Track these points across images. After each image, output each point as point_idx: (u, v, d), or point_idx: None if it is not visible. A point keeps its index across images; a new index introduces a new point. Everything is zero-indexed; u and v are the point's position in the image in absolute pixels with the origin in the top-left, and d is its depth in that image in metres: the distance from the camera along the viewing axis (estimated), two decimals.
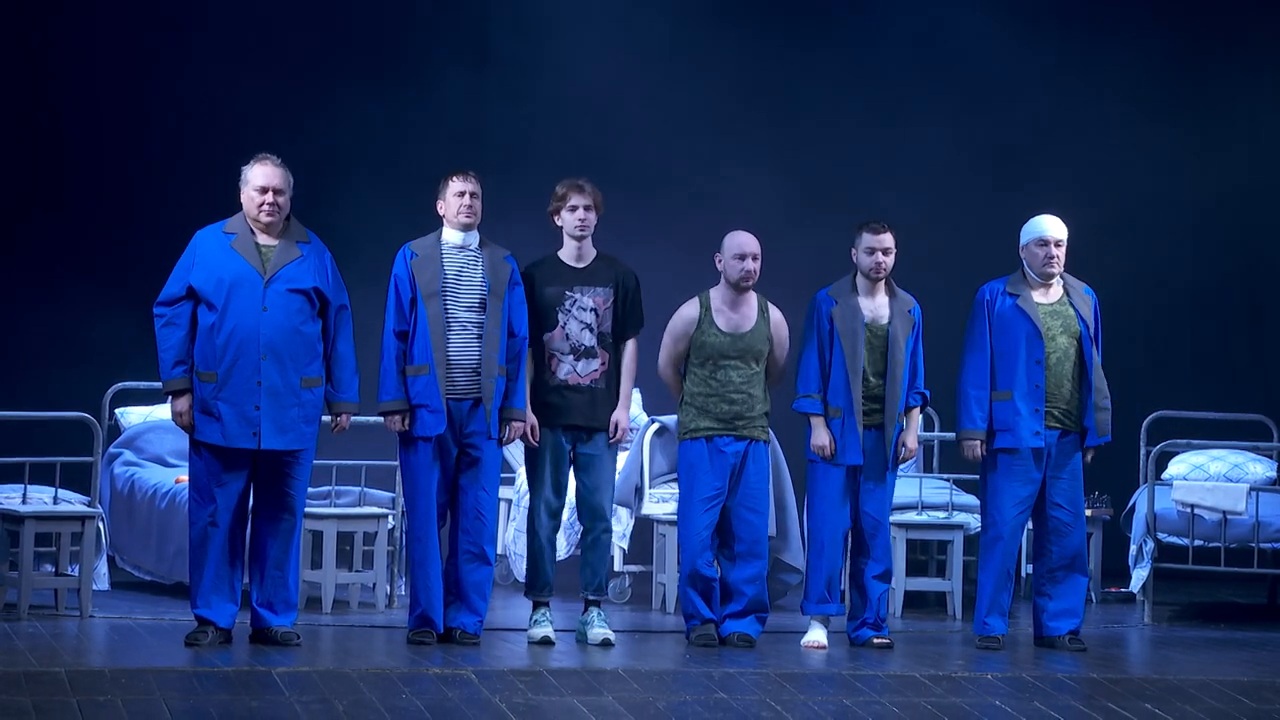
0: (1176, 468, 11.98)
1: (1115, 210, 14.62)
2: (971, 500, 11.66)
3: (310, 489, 9.81)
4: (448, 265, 9.60)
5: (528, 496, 10.05)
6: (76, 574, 10.45)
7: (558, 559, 10.07)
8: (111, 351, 12.86)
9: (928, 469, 12.69)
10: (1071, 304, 10.15)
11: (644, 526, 11.73)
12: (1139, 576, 11.57)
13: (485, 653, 9.36)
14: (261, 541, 9.39)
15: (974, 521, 11.49)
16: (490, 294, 9.59)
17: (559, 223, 9.88)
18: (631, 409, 10.69)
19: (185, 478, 10.02)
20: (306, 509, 9.82)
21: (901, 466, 10.22)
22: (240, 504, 9.33)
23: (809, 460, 10.05)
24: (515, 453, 12.22)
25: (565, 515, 10.31)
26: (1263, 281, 14.98)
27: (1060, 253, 10.10)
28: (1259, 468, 11.81)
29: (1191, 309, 14.96)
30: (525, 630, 9.88)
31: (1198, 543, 11.57)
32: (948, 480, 12.01)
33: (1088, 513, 11.67)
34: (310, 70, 13.94)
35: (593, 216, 9.86)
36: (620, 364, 9.89)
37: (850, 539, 10.11)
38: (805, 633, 10.02)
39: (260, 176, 9.32)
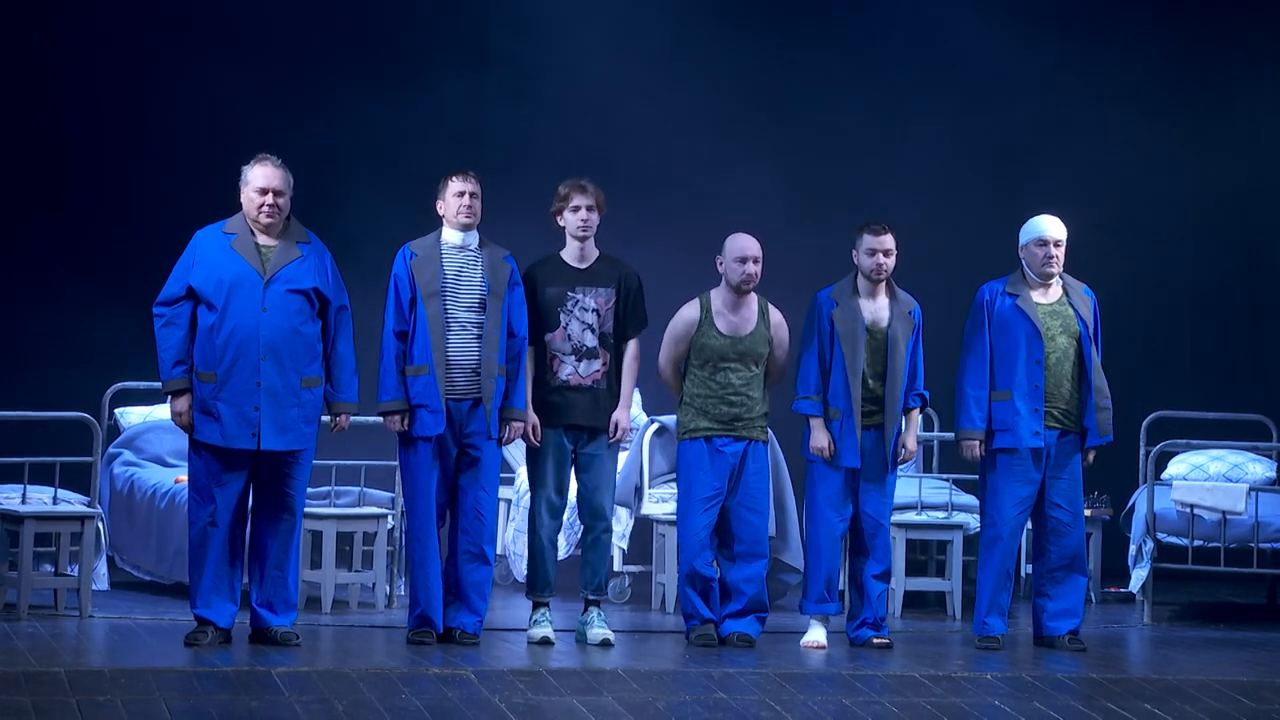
0: (1176, 468, 11.98)
1: (1115, 210, 14.62)
2: (971, 500, 11.66)
3: (310, 489, 9.81)
4: (447, 265, 9.60)
5: (528, 496, 10.06)
6: (76, 574, 10.45)
7: (558, 559, 10.06)
8: (111, 351, 12.86)
9: (927, 469, 12.69)
10: (1071, 304, 10.15)
11: (644, 526, 11.73)
12: (1138, 576, 11.58)
13: (485, 653, 9.36)
14: (261, 541, 9.39)
15: (973, 521, 11.49)
16: (490, 294, 9.59)
17: (561, 223, 9.88)
18: (631, 409, 10.69)
19: (185, 477, 10.02)
20: (306, 509, 9.82)
21: (901, 467, 10.22)
22: (240, 504, 9.33)
23: (808, 460, 10.05)
24: (515, 453, 12.23)
25: (565, 515, 10.31)
26: (1263, 281, 14.98)
27: (1059, 253, 10.10)
28: (1258, 468, 11.81)
29: (1191, 309, 14.96)
30: (525, 630, 9.88)
31: (1197, 543, 11.57)
32: (947, 480, 12.01)
33: (1087, 513, 11.68)
34: (310, 70, 13.95)
35: (595, 217, 9.85)
36: (621, 364, 9.89)
37: (849, 539, 10.12)
38: (805, 633, 10.02)
39: (260, 177, 9.31)
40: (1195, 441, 12.07)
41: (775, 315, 10.03)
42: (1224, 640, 10.89)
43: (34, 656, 8.74)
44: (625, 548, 11.67)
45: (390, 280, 9.63)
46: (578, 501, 9.97)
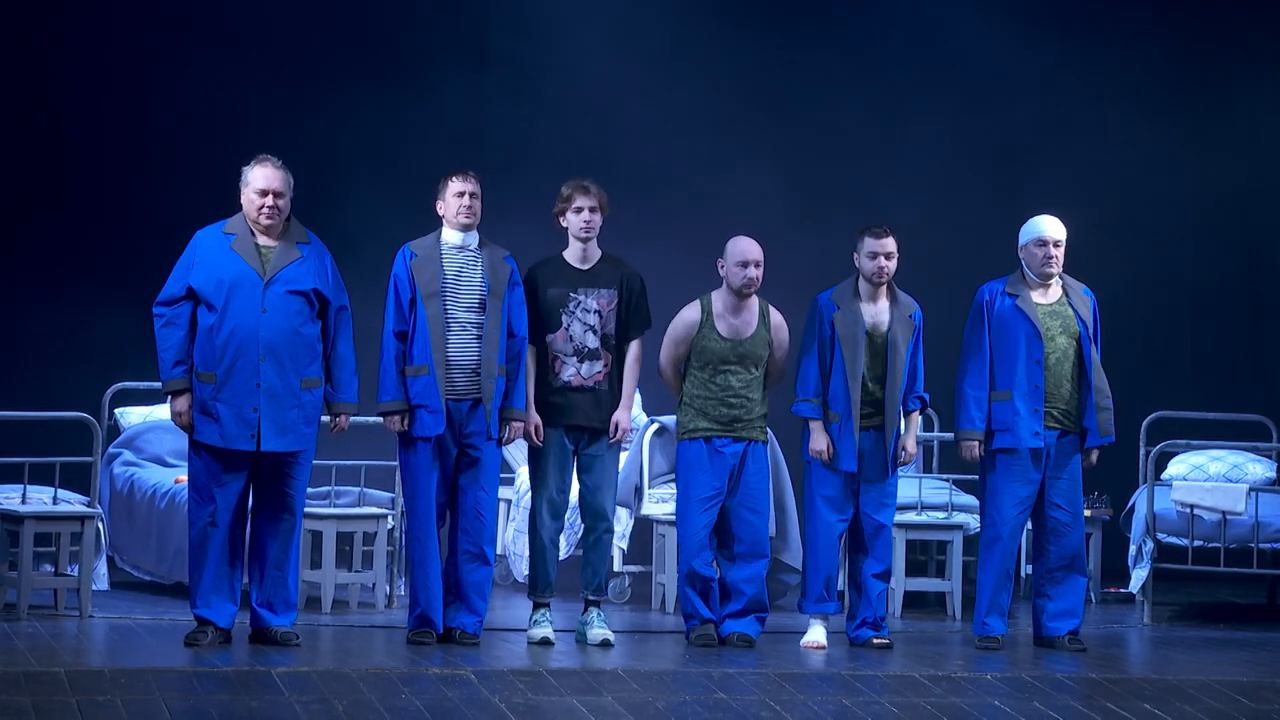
0: (1176, 468, 11.98)
1: (1115, 210, 14.62)
2: (971, 500, 11.66)
3: (310, 489, 9.81)
4: (447, 265, 9.60)
5: (528, 496, 10.05)
6: (76, 574, 10.45)
7: (559, 559, 10.06)
8: (111, 351, 12.86)
9: (927, 469, 12.69)
10: (1070, 304, 10.15)
11: (643, 527, 11.73)
12: (1138, 577, 11.58)
13: (485, 653, 9.36)
14: (261, 541, 9.38)
15: (973, 522, 11.49)
16: (490, 294, 9.59)
17: (564, 224, 9.87)
18: (632, 409, 10.69)
19: (185, 478, 10.02)
20: (306, 509, 9.82)
21: (901, 468, 10.21)
22: (240, 504, 9.33)
23: (806, 461, 10.05)
24: (515, 453, 12.23)
25: (565, 515, 10.31)
26: (1263, 281, 14.98)
27: (1059, 253, 10.10)
28: (1258, 468, 11.81)
29: (1191, 309, 14.96)
30: (525, 630, 9.88)
31: (1197, 543, 11.57)
32: (947, 480, 12.01)
33: (1087, 513, 11.69)
34: (311, 70, 13.94)
35: (598, 218, 9.84)
36: (623, 365, 9.88)
37: (849, 537, 10.12)
38: (805, 633, 10.02)
39: (260, 179, 9.31)
40: (1195, 442, 12.07)
41: (775, 317, 10.02)
42: (1224, 640, 10.89)
43: (34, 656, 8.74)
44: (625, 548, 11.67)
45: (390, 280, 9.62)
46: (579, 502, 9.97)
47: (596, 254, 9.88)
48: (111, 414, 12.06)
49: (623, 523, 11.53)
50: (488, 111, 14.45)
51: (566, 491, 9.88)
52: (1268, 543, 11.56)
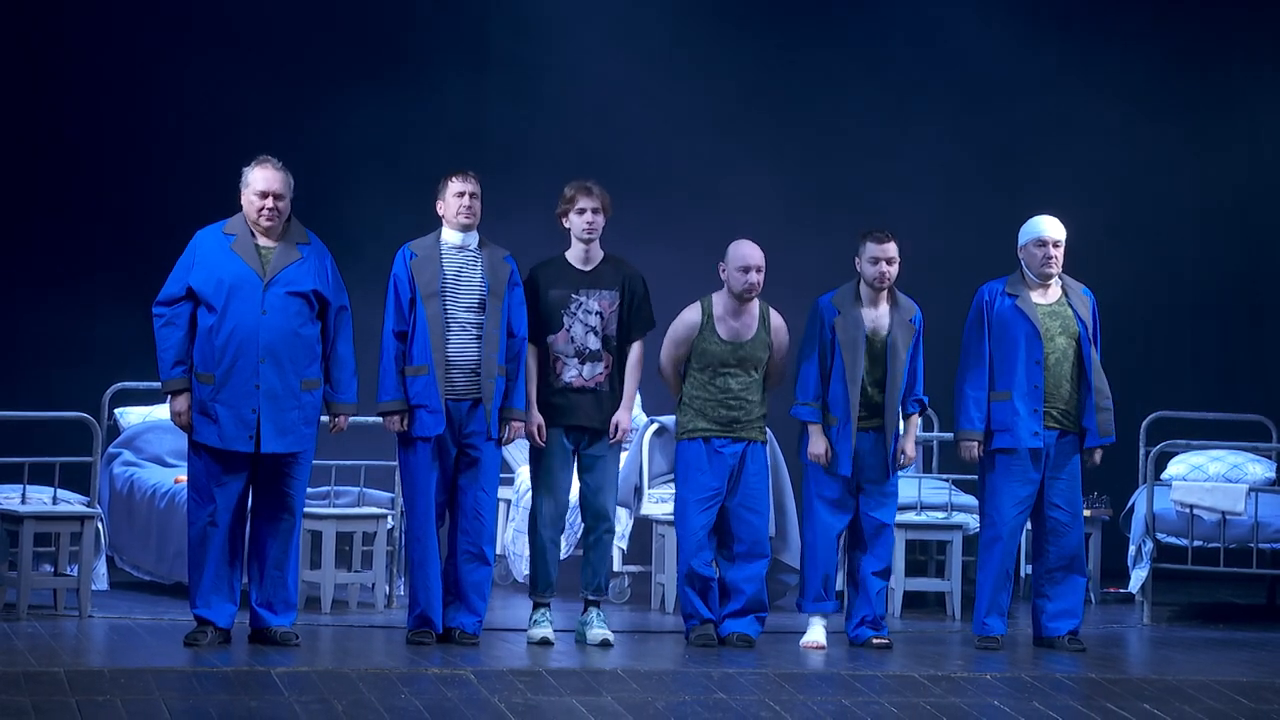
0: (1176, 468, 11.98)
1: (1115, 211, 14.62)
2: (971, 500, 11.66)
3: (309, 489, 9.81)
4: (447, 266, 9.60)
5: (528, 496, 10.05)
6: (75, 574, 10.45)
7: (559, 559, 10.06)
8: (111, 351, 12.86)
9: (927, 469, 12.69)
10: (1070, 304, 10.15)
11: (643, 527, 11.73)
12: (1138, 577, 11.58)
13: (484, 653, 9.36)
14: (261, 541, 9.38)
15: (973, 522, 11.49)
16: (490, 294, 9.59)
17: (566, 225, 9.86)
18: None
19: (184, 478, 10.02)
20: (306, 509, 9.82)
21: (900, 470, 10.21)
22: (239, 504, 9.33)
23: (804, 464, 10.06)
24: (514, 453, 12.23)
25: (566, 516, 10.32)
26: (1263, 282, 14.98)
27: (1058, 253, 10.10)
28: (1258, 468, 11.82)
29: (1191, 309, 14.96)
30: (525, 630, 9.88)
31: (1197, 543, 11.57)
32: (947, 480, 12.01)
33: (1086, 513, 11.69)
34: (311, 70, 13.94)
35: (601, 219, 9.83)
36: (625, 365, 9.88)
37: (848, 536, 10.11)
38: (804, 633, 10.02)
39: (261, 181, 9.30)
40: (1195, 442, 12.07)
41: (776, 319, 10.02)
42: (1223, 641, 10.89)
43: (33, 656, 8.74)
44: (625, 548, 11.67)
45: (390, 280, 9.62)
46: (580, 502, 9.97)
47: (599, 255, 9.87)
48: (111, 414, 12.07)
49: (622, 523, 11.53)
50: (488, 111, 14.45)
51: (567, 492, 9.88)
52: (1267, 543, 11.56)
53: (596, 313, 9.81)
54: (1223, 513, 11.51)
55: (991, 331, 10.10)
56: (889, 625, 10.25)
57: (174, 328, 9.25)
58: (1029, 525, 10.34)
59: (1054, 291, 10.16)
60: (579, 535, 11.00)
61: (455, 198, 9.64)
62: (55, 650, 9.09)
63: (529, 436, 9.76)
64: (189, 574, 9.42)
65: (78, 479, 10.90)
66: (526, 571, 11.43)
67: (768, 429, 10.21)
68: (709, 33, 14.70)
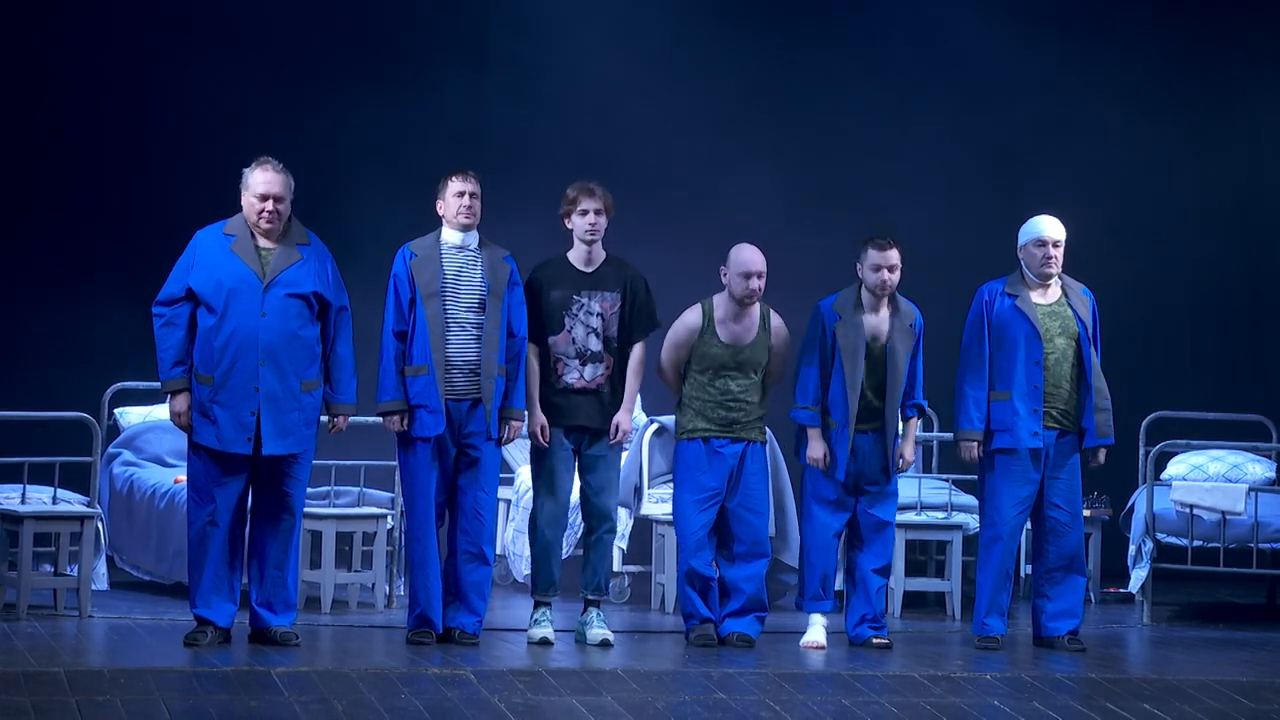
0: (1176, 468, 11.98)
1: (1115, 211, 14.62)
2: (970, 500, 11.66)
3: (309, 489, 9.81)
4: (447, 266, 9.60)
5: (528, 496, 10.05)
6: (75, 574, 10.45)
7: (561, 558, 10.05)
8: (111, 351, 12.86)
9: (927, 469, 12.69)
10: (1070, 305, 10.15)
11: (643, 527, 11.74)
12: (1138, 577, 11.58)
13: (484, 653, 9.36)
14: (261, 541, 9.38)
15: (973, 522, 11.49)
16: (489, 294, 9.59)
17: (569, 226, 9.85)
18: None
19: (184, 478, 10.02)
20: (306, 509, 9.82)
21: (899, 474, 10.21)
22: (239, 504, 9.33)
23: (803, 463, 10.06)
24: (514, 453, 12.23)
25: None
26: (1263, 282, 14.98)
27: (1058, 253, 10.10)
28: (1258, 468, 11.82)
29: (1191, 309, 14.96)
30: (525, 630, 9.88)
31: (1197, 543, 11.57)
32: (947, 480, 12.01)
33: (1086, 513, 11.69)
34: (311, 70, 13.94)
35: (603, 221, 9.82)
36: (626, 366, 9.87)
37: (847, 534, 10.11)
38: (804, 633, 10.02)
39: (261, 184, 9.28)
40: (1195, 442, 12.07)
41: (776, 321, 10.01)
42: (1223, 640, 10.90)
43: (33, 656, 8.74)
44: (625, 548, 11.66)
45: (390, 280, 9.62)
46: (581, 502, 9.97)
47: (601, 256, 9.86)
48: (111, 414, 12.07)
49: (622, 523, 11.53)
50: (488, 111, 14.45)
51: (568, 492, 9.87)
52: (1267, 543, 11.56)
53: (598, 314, 9.80)
54: (1223, 513, 11.51)
55: (991, 332, 10.10)
56: (889, 625, 10.25)
57: (174, 328, 9.25)
58: (1029, 525, 10.34)
59: (1054, 292, 10.16)
60: (579, 535, 11.00)
61: (455, 198, 9.64)
62: (55, 650, 9.09)
63: (531, 437, 9.76)
64: (189, 574, 9.42)
65: (78, 479, 10.90)
66: (526, 571, 11.44)
67: (767, 429, 10.21)
68: (709, 33, 14.70)
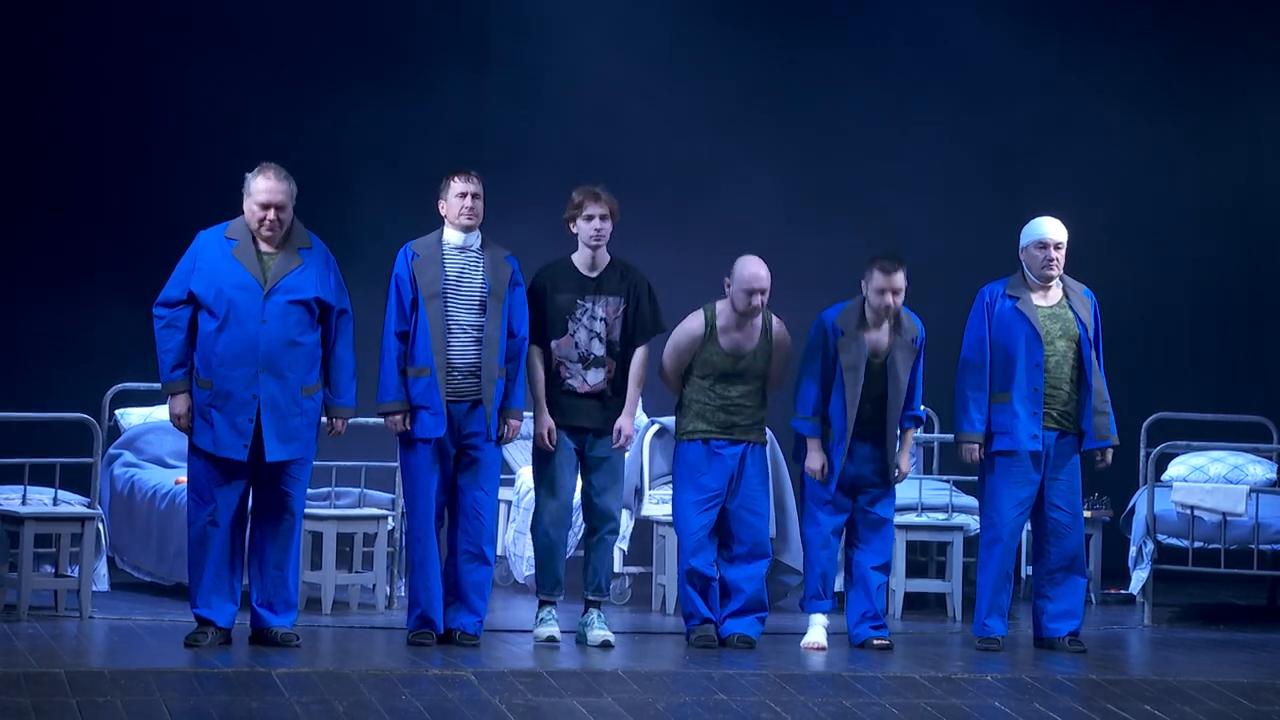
0: (1176, 469, 11.98)
1: (1115, 211, 14.61)
2: (971, 502, 11.66)
3: (310, 490, 9.80)
4: (449, 267, 9.59)
5: (529, 497, 10.04)
6: (76, 575, 10.45)
7: (565, 558, 10.05)
8: (112, 352, 12.85)
9: (927, 471, 12.68)
10: (1071, 307, 10.14)
11: (644, 528, 11.73)
12: (1139, 578, 11.57)
13: (485, 654, 9.36)
14: (261, 541, 9.38)
15: (974, 523, 11.49)
16: (490, 295, 9.58)
17: (574, 230, 9.82)
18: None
19: (185, 478, 10.01)
20: (306, 510, 9.81)
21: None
22: (240, 505, 9.32)
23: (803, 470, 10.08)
24: (515, 454, 12.22)
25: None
26: (1263, 282, 14.98)
27: (1060, 255, 10.09)
28: (1259, 469, 11.81)
29: (1191, 309, 14.96)
30: (525, 631, 9.89)
31: (1197, 544, 11.57)
32: (947, 482, 12.01)
33: (1087, 514, 11.68)
34: (311, 70, 13.94)
35: (608, 225, 9.80)
36: (628, 369, 9.86)
37: (847, 533, 10.11)
38: (805, 633, 10.02)
39: (263, 193, 9.25)
40: (1195, 443, 12.06)
41: (778, 328, 9.99)
42: (1224, 642, 10.89)
43: (34, 657, 8.74)
44: (625, 549, 11.66)
45: (391, 280, 9.61)
46: (583, 503, 9.96)
47: (605, 260, 9.84)
48: (112, 415, 12.06)
49: (623, 524, 11.52)
50: (488, 111, 14.44)
51: (571, 492, 9.87)
52: (1268, 544, 11.56)
53: (601, 319, 9.79)
54: (1223, 514, 11.51)
55: (992, 334, 10.09)
56: (889, 626, 10.24)
57: (174, 330, 9.24)
58: (1029, 526, 10.34)
59: (1055, 293, 10.15)
60: (579, 536, 10.99)
61: (457, 198, 9.63)
62: (56, 651, 9.09)
63: (538, 439, 9.74)
64: (189, 574, 9.41)
65: (78, 480, 10.89)
66: (527, 572, 11.45)
67: (767, 430, 10.20)
68: (709, 33, 14.69)
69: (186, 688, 8.05)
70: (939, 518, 11.71)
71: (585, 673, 8.83)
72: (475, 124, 14.36)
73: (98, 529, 10.74)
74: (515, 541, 12.11)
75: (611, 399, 9.81)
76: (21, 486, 10.70)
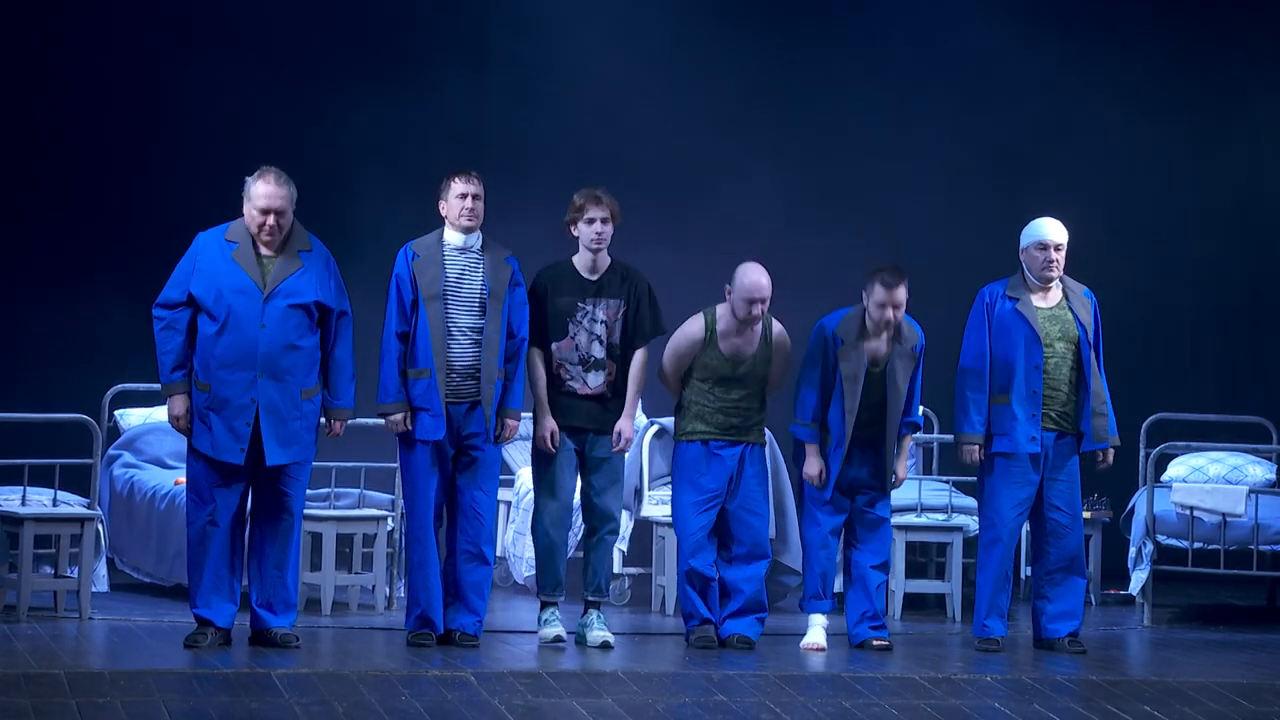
0: (1176, 470, 11.98)
1: (1115, 211, 14.61)
2: (971, 502, 11.65)
3: (310, 491, 9.80)
4: (449, 267, 9.59)
5: (528, 498, 10.04)
6: (76, 576, 10.45)
7: (566, 558, 10.06)
8: (111, 352, 12.85)
9: (927, 471, 12.69)
10: (1071, 308, 10.14)
11: (643, 528, 11.73)
12: (1138, 579, 11.57)
13: (485, 654, 9.36)
14: (260, 542, 9.38)
15: (973, 524, 11.48)
16: (490, 296, 9.58)
17: (575, 233, 9.82)
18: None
19: (185, 479, 10.01)
20: (306, 511, 9.81)
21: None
22: (239, 505, 9.32)
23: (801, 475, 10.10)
24: (514, 454, 12.22)
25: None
26: (1263, 282, 14.97)
27: (1060, 256, 10.09)
28: (1258, 470, 11.81)
29: (1191, 309, 14.95)
30: (525, 632, 9.90)
31: (1197, 545, 11.57)
32: (947, 482, 12.00)
33: (1086, 515, 11.68)
34: (311, 70, 13.93)
35: (609, 228, 9.80)
36: (628, 371, 9.86)
37: (846, 532, 10.11)
38: (804, 634, 10.02)
39: (262, 198, 9.23)
40: (1195, 444, 12.06)
41: (778, 332, 9.98)
42: (1224, 642, 10.89)
43: (34, 658, 8.74)
44: (625, 550, 11.66)
45: (391, 280, 9.60)
46: (583, 503, 9.96)
47: (606, 263, 9.84)
48: (111, 415, 12.06)
49: (623, 525, 11.51)
50: (488, 111, 14.44)
51: (571, 493, 9.87)
52: (1267, 545, 11.56)
53: (602, 321, 9.79)
54: (1223, 515, 11.51)
55: (992, 334, 10.09)
56: (889, 627, 10.24)
57: (174, 332, 9.24)
58: (1028, 527, 10.34)
59: (1055, 294, 10.15)
60: (579, 536, 10.99)
61: (458, 199, 9.62)
62: (55, 652, 9.09)
63: (540, 441, 9.74)
64: (189, 574, 9.41)
65: (78, 481, 10.89)
66: (527, 573, 11.45)
67: (767, 430, 10.21)
68: (709, 33, 14.69)
69: (186, 688, 8.06)
70: (938, 518, 11.71)
71: (585, 673, 8.83)
72: (475, 124, 14.36)
73: (97, 530, 10.74)
74: (515, 542, 12.11)
75: (612, 400, 9.81)
76: (21, 487, 10.70)
